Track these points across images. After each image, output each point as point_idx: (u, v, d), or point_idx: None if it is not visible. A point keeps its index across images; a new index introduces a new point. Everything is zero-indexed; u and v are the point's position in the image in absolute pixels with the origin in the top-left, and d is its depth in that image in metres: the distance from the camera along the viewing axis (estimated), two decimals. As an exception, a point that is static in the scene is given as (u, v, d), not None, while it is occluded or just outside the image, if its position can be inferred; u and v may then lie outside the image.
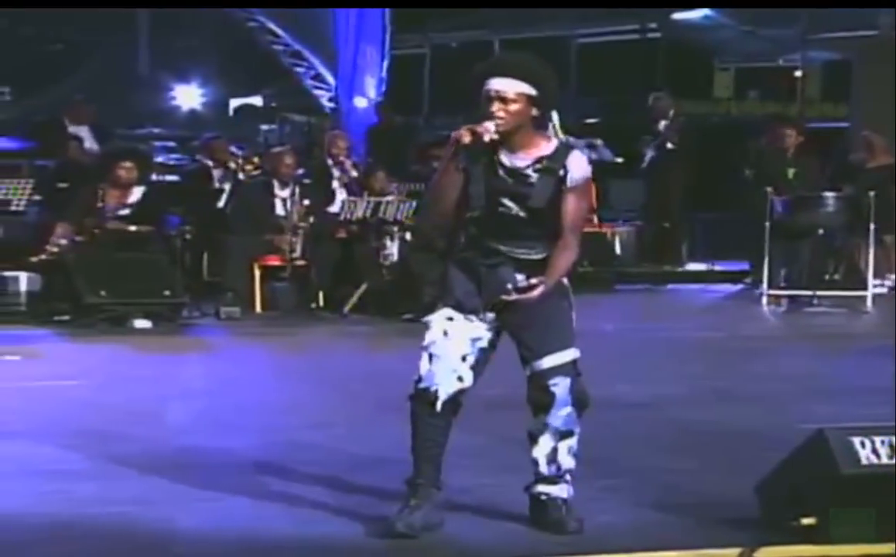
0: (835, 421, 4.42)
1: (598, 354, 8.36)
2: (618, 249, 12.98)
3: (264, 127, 16.97)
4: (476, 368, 4.27)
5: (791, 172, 11.43)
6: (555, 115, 4.22)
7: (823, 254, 11.20)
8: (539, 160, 4.26)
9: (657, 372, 7.69)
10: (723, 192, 13.70)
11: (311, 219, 10.27)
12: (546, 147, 4.29)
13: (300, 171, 10.85)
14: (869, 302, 10.66)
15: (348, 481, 4.88)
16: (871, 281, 10.75)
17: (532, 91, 4.22)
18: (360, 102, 15.22)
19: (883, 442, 4.09)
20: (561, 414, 4.31)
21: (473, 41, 19.80)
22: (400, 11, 15.69)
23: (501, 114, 4.22)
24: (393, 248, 10.37)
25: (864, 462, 4.06)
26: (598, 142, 13.70)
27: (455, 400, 4.25)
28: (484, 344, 4.28)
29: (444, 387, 4.21)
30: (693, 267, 13.37)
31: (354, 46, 15.35)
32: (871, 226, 10.68)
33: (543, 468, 4.32)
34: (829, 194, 10.87)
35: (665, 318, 10.61)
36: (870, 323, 10.29)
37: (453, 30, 19.78)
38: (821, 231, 10.83)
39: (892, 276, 11.81)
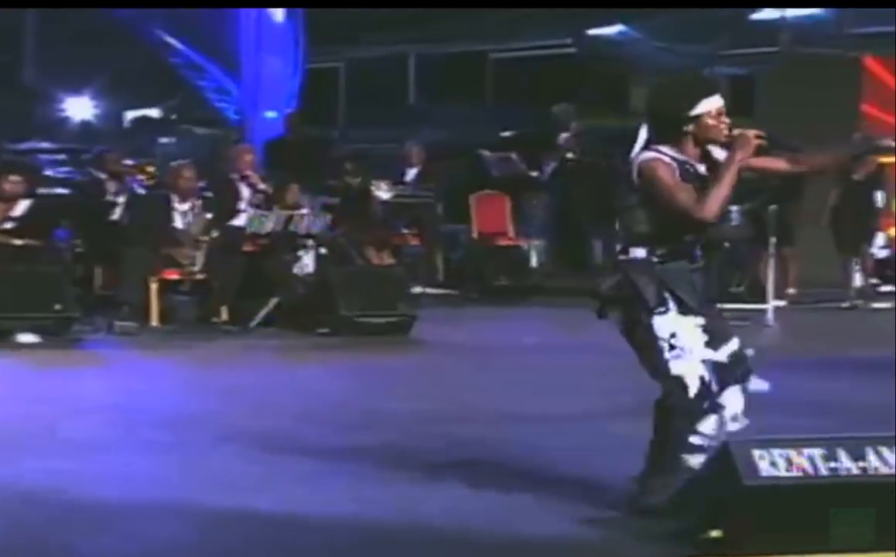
0: (752, 434, 4.57)
1: (521, 367, 8.62)
2: (533, 262, 13.11)
3: (163, 139, 16.87)
4: None
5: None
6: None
7: (729, 267, 11.47)
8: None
9: (582, 384, 7.82)
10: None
11: (215, 233, 10.23)
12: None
13: (201, 185, 10.79)
14: (770, 316, 10.86)
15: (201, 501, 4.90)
16: (770, 294, 10.99)
17: None
18: (269, 115, 15.14)
19: (781, 455, 4.26)
20: None
21: (389, 56, 19.90)
22: (314, 26, 15.59)
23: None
24: (308, 262, 10.35)
25: (763, 474, 4.21)
26: (513, 155, 13.82)
27: None
28: None
29: None
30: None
31: (259, 59, 15.21)
32: (772, 240, 10.95)
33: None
34: (733, 208, 11.09)
35: (584, 331, 10.70)
36: (771, 337, 10.46)
37: (369, 44, 19.86)
38: (726, 244, 11.11)
39: (792, 290, 12.13)
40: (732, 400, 4.72)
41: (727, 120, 4.74)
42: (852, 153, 5.30)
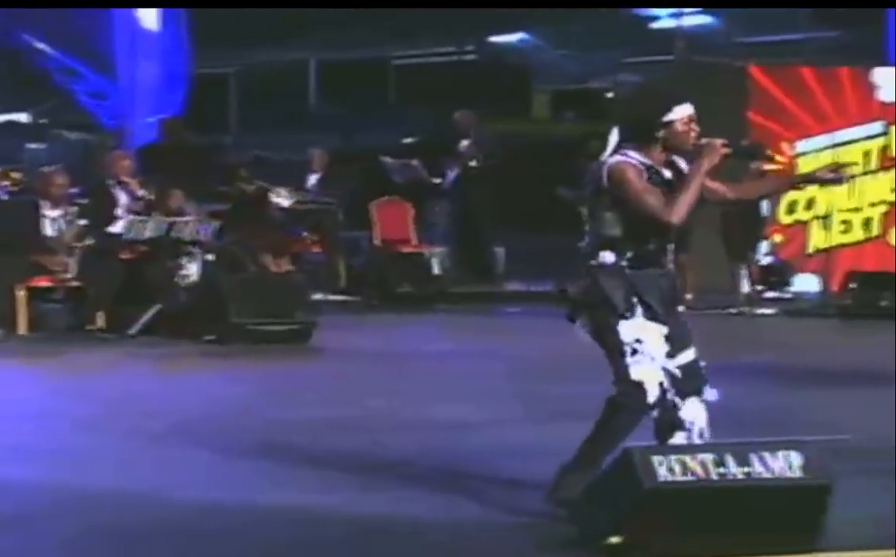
0: (649, 439, 4.72)
1: (425, 373, 8.72)
2: (436, 269, 13.14)
3: (31, 145, 16.57)
4: None
5: None
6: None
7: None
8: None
9: (482, 392, 7.87)
10: (541, 212, 14.12)
11: (89, 240, 10.10)
12: None
13: (74, 190, 10.63)
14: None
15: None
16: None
17: None
18: (150, 121, 14.81)
19: (678, 460, 4.37)
20: None
21: (289, 62, 19.85)
22: (204, 32, 15.36)
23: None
24: (192, 269, 10.29)
25: (661, 479, 4.32)
26: (415, 162, 13.82)
27: None
28: None
29: None
30: (512, 287, 13.56)
31: (137, 63, 14.92)
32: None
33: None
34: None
35: (488, 338, 10.79)
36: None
37: (267, 50, 19.79)
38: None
39: (688, 296, 12.41)
40: (695, 413, 4.83)
41: (696, 127, 4.89)
42: (784, 187, 5.50)
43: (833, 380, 8.43)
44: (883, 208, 13.93)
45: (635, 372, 4.78)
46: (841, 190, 13.80)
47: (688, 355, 4.88)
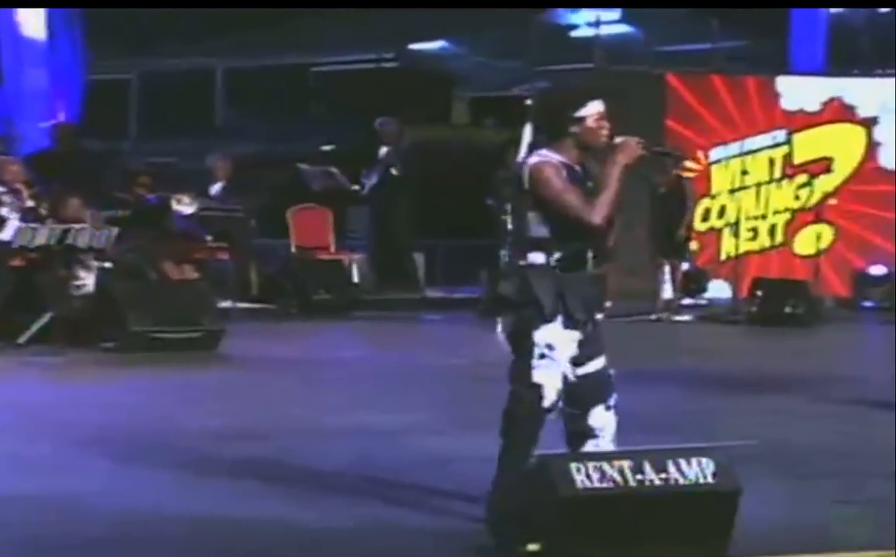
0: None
1: (342, 381, 8.73)
2: (355, 276, 13.10)
3: None
4: None
5: None
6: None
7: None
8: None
9: (402, 399, 7.89)
10: (462, 219, 14.19)
11: None
12: None
13: None
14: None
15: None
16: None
17: None
18: (41, 127, 14.24)
19: (595, 468, 4.44)
20: None
21: (196, 69, 19.68)
22: (101, 36, 15.08)
23: None
24: (87, 277, 10.14)
25: (579, 486, 4.38)
26: (334, 169, 13.79)
27: None
28: None
29: None
30: (433, 294, 13.54)
31: (22, 70, 14.40)
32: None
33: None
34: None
35: (408, 346, 10.82)
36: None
37: (173, 56, 19.62)
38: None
39: (608, 303, 12.56)
40: (604, 421, 4.87)
41: (608, 125, 4.89)
42: None
43: (740, 386, 8.60)
44: (787, 216, 14.24)
45: (537, 375, 4.78)
46: (749, 197, 14.14)
47: (597, 363, 4.91)
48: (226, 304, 11.36)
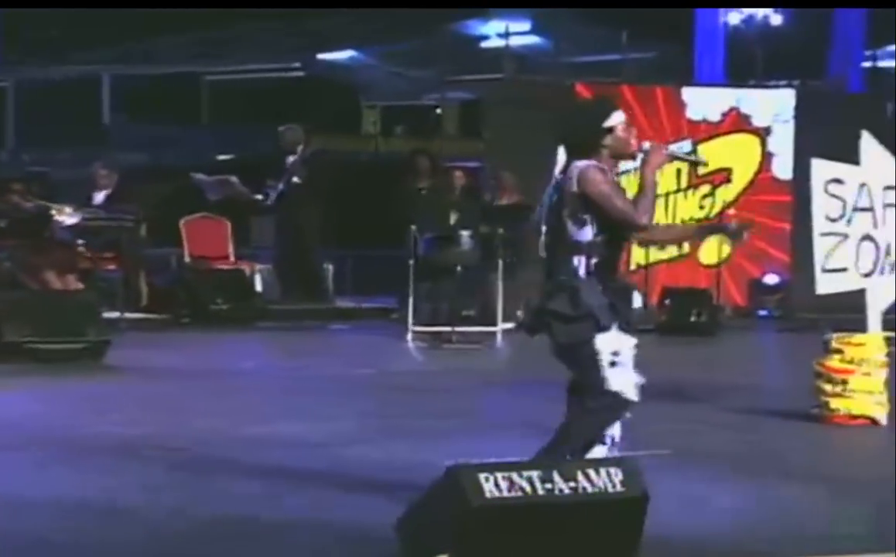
0: (481, 456, 4.78)
1: (247, 392, 8.60)
2: (258, 286, 12.89)
3: None
4: None
5: (454, 215, 11.96)
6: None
7: (463, 290, 11.78)
8: None
9: (311, 409, 7.82)
10: (371, 228, 14.11)
11: None
12: None
13: None
14: (499, 339, 11.17)
15: None
16: (500, 317, 11.31)
17: None
18: None
19: (504, 477, 4.41)
20: None
21: (80, 77, 19.37)
22: None
23: None
24: None
25: (488, 495, 4.34)
26: (234, 178, 13.51)
27: None
28: None
29: None
30: (342, 304, 13.42)
31: None
32: (501, 263, 11.36)
33: None
34: (465, 232, 11.33)
35: (315, 356, 10.71)
36: (501, 360, 10.80)
37: (57, 64, 19.29)
38: (459, 268, 11.41)
39: (520, 313, 12.56)
40: (614, 428, 5.00)
41: (634, 132, 5.03)
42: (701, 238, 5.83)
43: (649, 395, 8.63)
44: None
45: (614, 383, 4.89)
46: (658, 207, 14.25)
47: None
48: (113, 315, 11.14)
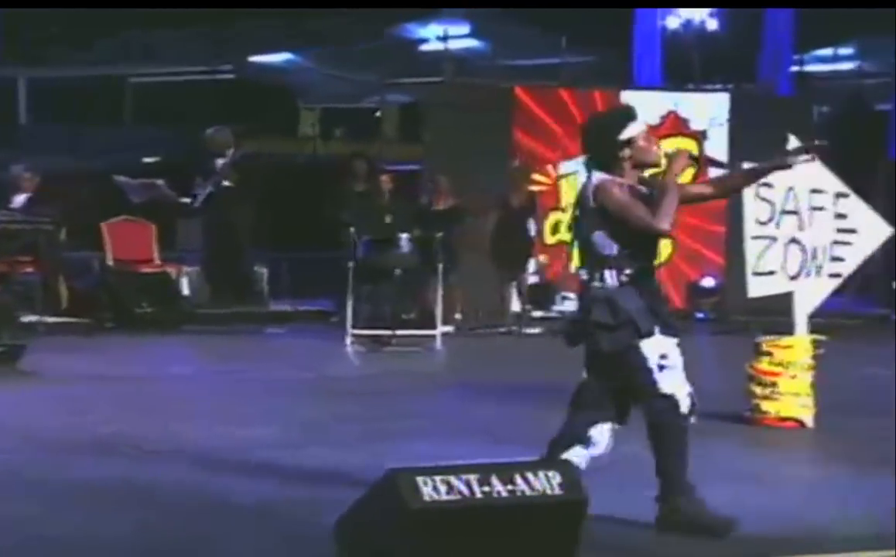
0: (422, 458, 4.79)
1: (174, 397, 8.48)
2: (185, 289, 12.76)
3: None
4: None
5: (388, 218, 11.92)
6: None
7: (402, 294, 11.78)
8: None
9: (246, 414, 7.74)
10: (308, 231, 14.03)
11: None
12: None
13: None
14: (438, 342, 11.15)
15: None
16: (439, 320, 11.32)
17: None
18: None
19: (443, 481, 4.41)
20: None
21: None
22: None
23: None
24: None
25: (426, 498, 4.35)
26: (160, 181, 13.32)
27: None
28: None
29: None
30: (277, 307, 13.27)
31: None
32: (440, 267, 11.37)
33: None
34: (403, 236, 11.28)
35: (250, 360, 10.57)
36: (441, 362, 10.76)
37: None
38: (398, 271, 11.39)
39: (458, 316, 12.58)
40: (603, 436, 5.07)
41: (656, 140, 5.08)
42: (767, 170, 5.82)
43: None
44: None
45: (665, 386, 4.91)
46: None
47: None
48: (31, 319, 10.95)
